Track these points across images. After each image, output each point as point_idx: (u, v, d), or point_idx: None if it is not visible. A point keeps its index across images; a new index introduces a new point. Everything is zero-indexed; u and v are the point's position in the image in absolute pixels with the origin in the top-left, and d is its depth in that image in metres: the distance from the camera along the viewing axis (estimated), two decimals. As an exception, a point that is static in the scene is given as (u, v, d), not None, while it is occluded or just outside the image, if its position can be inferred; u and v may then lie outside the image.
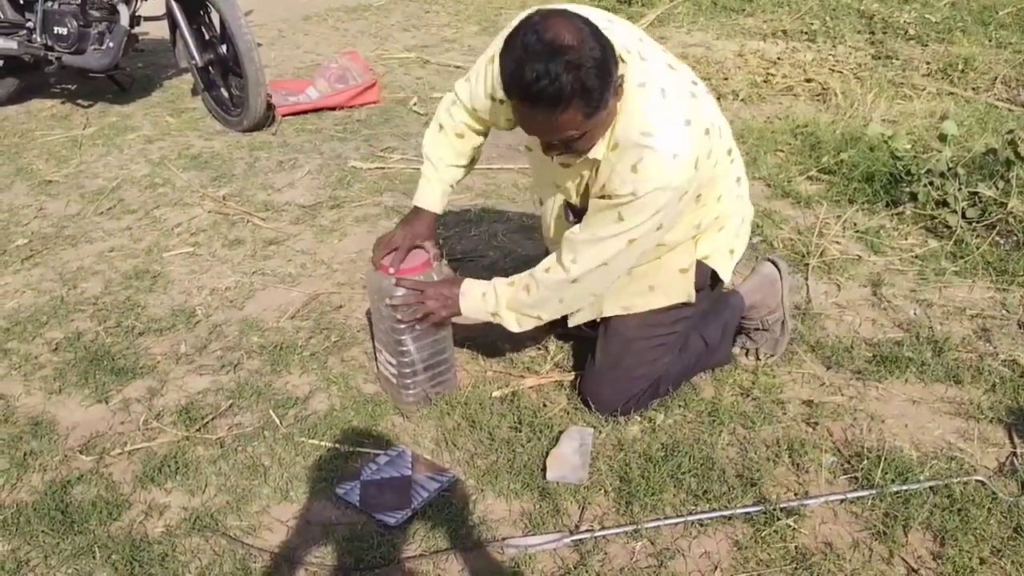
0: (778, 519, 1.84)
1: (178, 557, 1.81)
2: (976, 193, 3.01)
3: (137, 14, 4.21)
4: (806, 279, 2.76)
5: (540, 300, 1.99)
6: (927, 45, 5.07)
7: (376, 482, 1.98)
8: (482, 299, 2.06)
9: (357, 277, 2.87)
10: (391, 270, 2.09)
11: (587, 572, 1.75)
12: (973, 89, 4.39)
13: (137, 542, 1.84)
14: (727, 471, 2.00)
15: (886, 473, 1.95)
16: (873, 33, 5.32)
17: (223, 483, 2.01)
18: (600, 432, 2.12)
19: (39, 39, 4.25)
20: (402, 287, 2.07)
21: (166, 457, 2.08)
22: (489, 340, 2.49)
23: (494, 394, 2.26)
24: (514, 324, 2.06)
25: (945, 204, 3.03)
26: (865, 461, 2.00)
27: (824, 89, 4.43)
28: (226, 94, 4.24)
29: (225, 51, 4.07)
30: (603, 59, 1.61)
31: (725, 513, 1.87)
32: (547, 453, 2.03)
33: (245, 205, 3.40)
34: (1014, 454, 2.03)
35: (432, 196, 2.22)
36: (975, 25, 5.29)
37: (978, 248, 2.84)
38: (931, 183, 3.08)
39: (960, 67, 4.59)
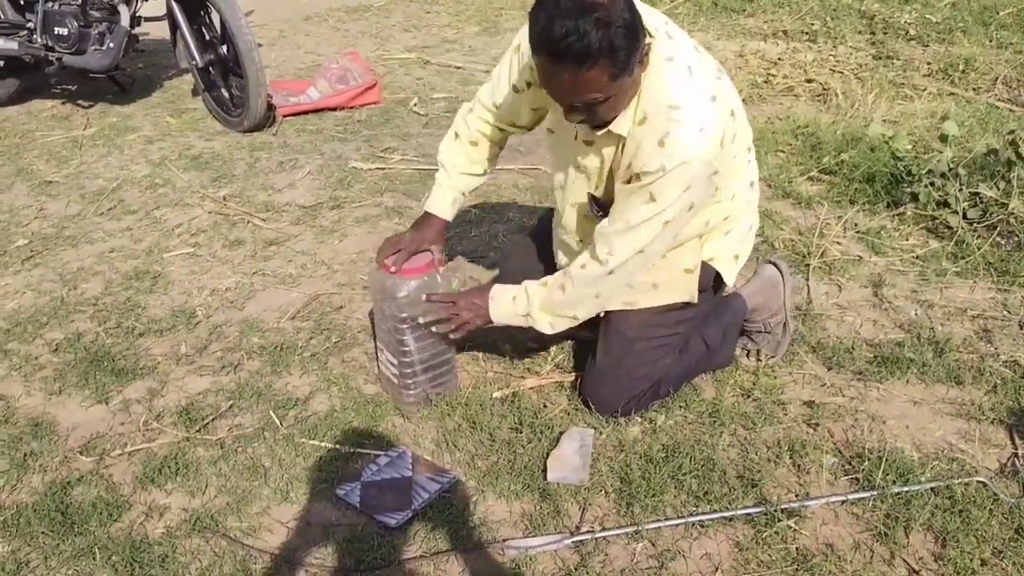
0: (779, 520, 1.84)
1: (178, 558, 1.81)
2: (977, 194, 3.01)
3: (137, 14, 4.21)
4: (807, 280, 2.75)
5: (576, 298, 1.98)
6: (928, 45, 5.07)
7: (376, 483, 1.98)
8: (512, 303, 2.05)
9: (357, 278, 2.87)
10: (393, 268, 2.09)
11: (588, 573, 1.74)
12: (974, 89, 4.39)
13: (137, 543, 1.84)
14: (728, 472, 1.99)
15: (887, 474, 1.95)
16: (874, 33, 5.32)
17: (223, 484, 2.01)
18: (601, 433, 2.12)
19: (40, 40, 4.25)
20: (430, 300, 2.08)
21: (166, 458, 2.08)
22: (489, 341, 2.49)
23: (495, 395, 2.26)
24: (547, 326, 2.05)
25: (946, 205, 3.03)
26: (866, 462, 2.00)
27: (825, 89, 4.43)
28: (227, 94, 4.23)
29: (226, 51, 4.07)
30: (632, 22, 1.61)
31: (726, 514, 1.87)
32: (548, 454, 2.03)
33: (245, 206, 3.40)
34: (1015, 455, 2.03)
35: (443, 202, 2.22)
36: (976, 25, 5.29)
37: (979, 249, 2.83)
38: (932, 184, 3.07)
39: (961, 67, 4.59)
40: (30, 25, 4.28)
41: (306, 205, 3.39)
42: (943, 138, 3.17)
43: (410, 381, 2.18)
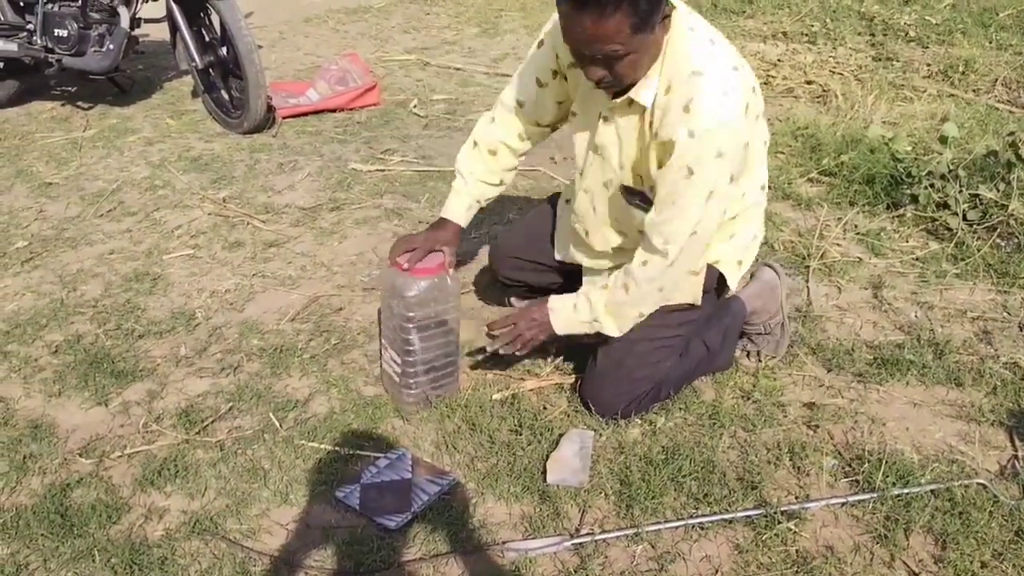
0: (779, 522, 1.84)
1: (178, 560, 1.80)
2: (977, 195, 3.01)
3: (137, 16, 4.20)
4: (807, 281, 2.75)
5: (641, 295, 1.98)
6: (928, 47, 5.07)
7: (376, 485, 1.97)
8: (574, 311, 2.06)
9: (357, 279, 2.87)
10: (405, 266, 2.09)
11: (587, 576, 1.74)
12: (974, 91, 4.39)
13: (136, 545, 1.84)
14: (728, 474, 1.99)
15: (887, 476, 1.95)
16: (873, 35, 5.32)
17: (223, 486, 2.00)
18: (600, 435, 2.11)
19: (39, 41, 4.24)
20: (495, 330, 2.11)
21: (166, 460, 2.08)
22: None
23: (494, 397, 2.25)
24: (614, 329, 2.05)
25: (946, 206, 3.03)
26: (866, 464, 2.00)
27: (824, 91, 4.43)
28: (226, 96, 4.23)
29: (225, 53, 4.07)
30: None
31: (726, 516, 1.86)
32: (547, 456, 2.03)
33: (245, 207, 3.40)
34: (1015, 457, 2.03)
35: (458, 208, 2.23)
36: (975, 27, 5.29)
37: (979, 250, 2.83)
38: (932, 185, 3.08)
39: (961, 69, 4.59)
40: (30, 27, 4.28)
41: (306, 207, 3.39)
42: (943, 140, 3.17)
43: (411, 381, 2.18)
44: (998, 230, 2.92)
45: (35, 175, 3.75)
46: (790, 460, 2.04)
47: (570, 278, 2.38)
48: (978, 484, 1.92)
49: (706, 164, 1.77)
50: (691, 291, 2.09)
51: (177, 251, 3.08)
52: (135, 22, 4.18)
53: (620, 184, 2.00)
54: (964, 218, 2.97)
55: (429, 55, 5.44)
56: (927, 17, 5.49)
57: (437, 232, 2.19)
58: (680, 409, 2.19)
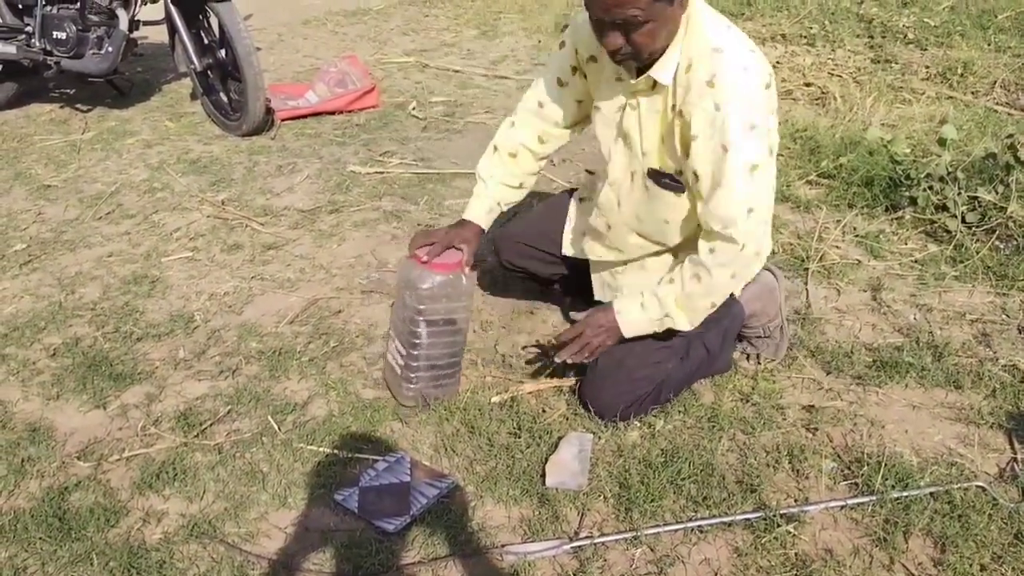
0: (778, 525, 1.83)
1: (176, 564, 1.80)
2: (976, 197, 3.01)
3: (136, 18, 4.19)
4: (806, 284, 2.75)
5: (714, 284, 1.97)
6: (926, 49, 5.07)
7: (375, 488, 1.97)
8: (642, 310, 2.05)
9: (356, 282, 2.86)
10: (425, 258, 2.10)
11: (586, 579, 1.74)
12: (972, 93, 4.39)
13: (135, 549, 1.84)
14: (727, 477, 1.99)
15: (886, 479, 1.95)
16: (872, 37, 5.33)
17: (221, 489, 2.00)
18: (599, 438, 2.11)
19: (38, 44, 4.24)
20: (560, 345, 2.11)
21: (164, 463, 2.08)
22: (488, 345, 2.49)
23: (493, 400, 2.25)
24: (685, 322, 2.04)
25: (945, 208, 3.03)
26: (865, 467, 2.00)
27: (823, 93, 4.44)
28: (225, 98, 4.23)
29: (224, 55, 4.07)
30: None
31: (725, 519, 1.86)
32: (546, 459, 2.03)
33: (244, 210, 3.39)
34: (1015, 460, 2.03)
35: (479, 211, 2.23)
36: (974, 29, 5.30)
37: (978, 252, 2.83)
38: (931, 187, 3.08)
39: (959, 71, 4.59)
40: (28, 29, 4.28)
41: (304, 209, 3.39)
42: (941, 142, 3.17)
43: (413, 375, 2.18)
44: (997, 232, 2.92)
45: (34, 177, 3.75)
46: (789, 463, 2.03)
47: (574, 271, 2.40)
48: (977, 487, 1.92)
49: (740, 138, 1.79)
50: (751, 276, 2.07)
51: (176, 253, 3.08)
52: (134, 24, 4.18)
53: (646, 169, 2.01)
54: (963, 220, 2.97)
55: (428, 57, 5.44)
56: (926, 19, 5.49)
57: (459, 230, 2.19)
58: (679, 412, 2.19)
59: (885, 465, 1.98)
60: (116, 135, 4.22)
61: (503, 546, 1.82)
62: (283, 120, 4.28)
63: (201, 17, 4.10)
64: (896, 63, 4.85)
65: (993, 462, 2.03)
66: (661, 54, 1.83)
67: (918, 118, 4.00)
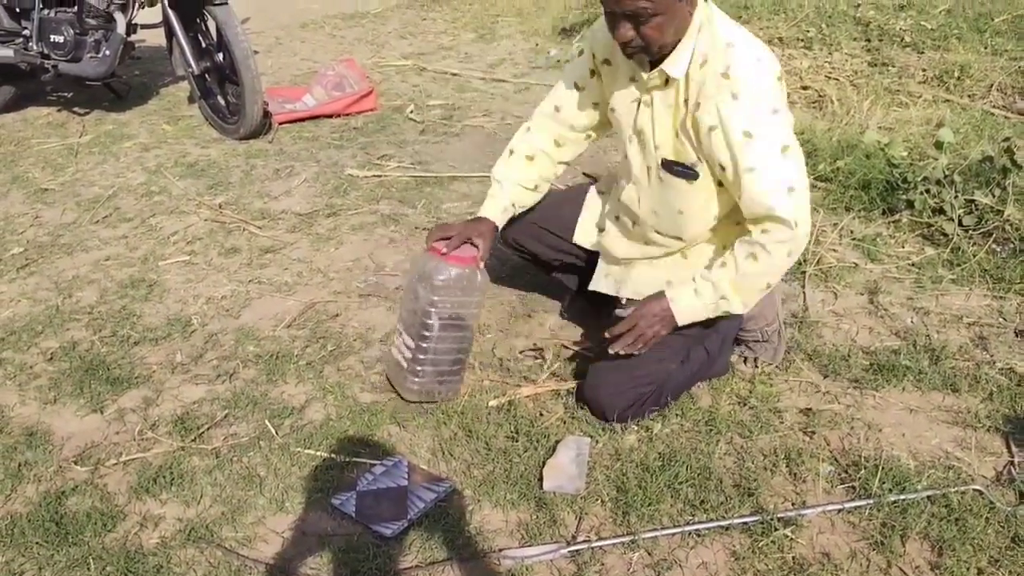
0: (776, 529, 1.83)
1: (173, 569, 1.80)
2: (972, 201, 3.01)
3: (133, 22, 4.20)
4: (803, 287, 2.76)
5: (772, 263, 1.95)
6: (923, 52, 5.08)
7: (372, 492, 1.97)
8: (696, 296, 2.04)
9: (353, 285, 2.86)
10: (444, 250, 2.11)
11: (584, 583, 1.74)
12: (969, 96, 4.40)
13: (132, 553, 1.83)
14: (724, 481, 1.99)
15: (883, 482, 1.95)
16: (869, 40, 5.33)
17: (218, 494, 2.00)
18: (597, 442, 2.11)
19: (35, 47, 4.24)
20: (615, 337, 2.09)
21: (161, 468, 2.08)
22: (485, 348, 2.49)
23: (491, 403, 2.25)
24: (740, 305, 2.03)
25: (942, 212, 3.04)
26: (863, 470, 2.00)
27: (820, 96, 4.44)
28: (223, 102, 4.24)
29: (222, 59, 4.07)
30: None
31: (722, 523, 1.86)
32: (544, 463, 2.03)
33: (241, 213, 3.39)
34: (1011, 463, 2.03)
35: (494, 209, 2.25)
36: (971, 32, 5.30)
37: (975, 256, 2.84)
38: (927, 191, 3.08)
39: (956, 74, 4.60)
40: (26, 32, 4.28)
41: (302, 213, 3.39)
42: (938, 145, 3.18)
43: (419, 368, 2.19)
44: (994, 235, 2.92)
45: (31, 181, 3.75)
46: (786, 466, 2.03)
47: (578, 259, 2.43)
48: (974, 490, 1.92)
49: (763, 122, 1.85)
50: (800, 253, 2.06)
51: (173, 257, 3.08)
52: (131, 28, 4.19)
53: (659, 161, 2.04)
54: (960, 223, 2.97)
55: (426, 60, 5.44)
56: (922, 22, 5.50)
57: (475, 224, 2.21)
58: (676, 415, 2.19)
59: (882, 468, 1.98)
60: (113, 139, 4.22)
61: (500, 550, 1.82)
62: (281, 123, 4.28)
63: (199, 21, 4.10)
64: (893, 66, 4.86)
65: (990, 465, 2.03)
66: (672, 49, 1.89)
67: (915, 121, 4.01)
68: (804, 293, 2.72)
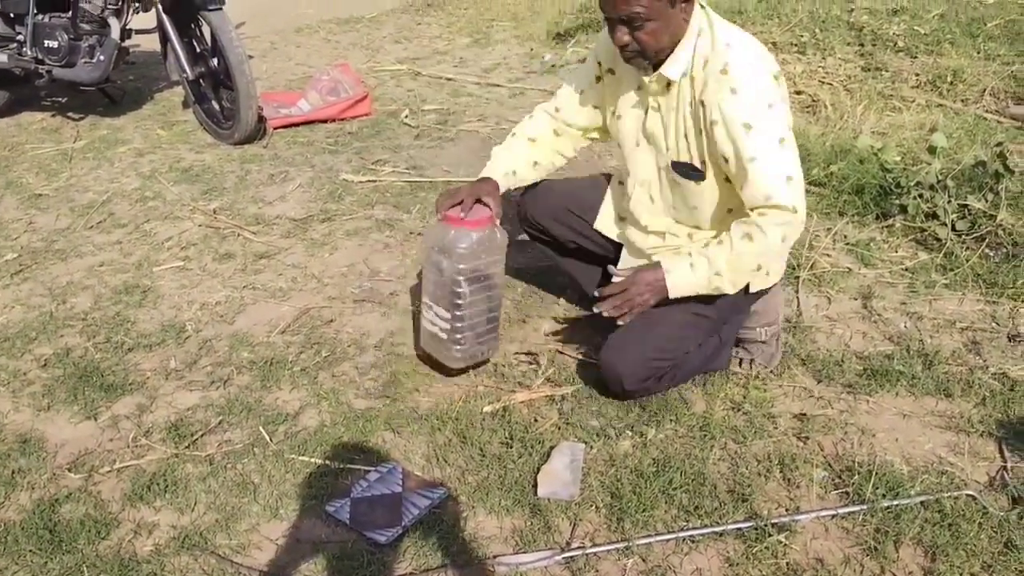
0: (769, 535, 1.84)
1: (167, 576, 1.80)
2: (966, 205, 3.02)
3: (128, 27, 4.20)
4: (797, 292, 2.76)
5: (767, 244, 1.98)
6: (916, 57, 5.09)
7: (367, 499, 1.97)
8: (691, 270, 2.06)
9: (348, 291, 2.86)
10: (461, 214, 2.13)
11: (578, 590, 1.74)
12: (962, 101, 4.41)
13: (126, 561, 1.83)
14: (718, 486, 1.99)
15: (877, 488, 1.95)
16: (863, 45, 5.34)
17: (212, 501, 2.00)
18: (591, 448, 2.11)
19: (30, 52, 4.24)
20: (603, 297, 2.13)
21: (155, 475, 2.07)
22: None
23: (485, 409, 2.25)
24: (730, 285, 2.06)
25: (935, 216, 3.04)
26: (856, 476, 2.00)
27: (814, 101, 4.45)
28: (217, 107, 4.23)
29: (216, 64, 4.07)
30: None
31: (716, 529, 1.87)
32: (538, 469, 2.03)
33: (236, 219, 3.39)
34: (1004, 468, 2.03)
35: (496, 171, 2.30)
36: (964, 37, 5.32)
37: (968, 260, 2.85)
38: (921, 195, 3.09)
39: (949, 79, 4.61)
40: (20, 38, 4.27)
41: (296, 218, 3.39)
42: (931, 150, 3.19)
43: (460, 336, 2.22)
44: (987, 240, 2.93)
45: (25, 186, 3.74)
46: (780, 472, 2.04)
47: (599, 245, 2.45)
48: (967, 495, 1.93)
49: (761, 115, 1.94)
50: (794, 240, 2.10)
51: (167, 263, 3.08)
52: (125, 33, 4.18)
53: (669, 162, 2.11)
54: (953, 228, 2.98)
55: (420, 65, 5.45)
56: (916, 27, 5.51)
57: (481, 185, 2.24)
58: (671, 421, 2.19)
59: (876, 474, 1.99)
60: (108, 144, 4.21)
61: (495, 557, 1.82)
62: (275, 128, 4.28)
63: (193, 26, 4.10)
64: (886, 71, 4.87)
65: (983, 470, 2.03)
66: (669, 53, 1.99)
67: (908, 126, 4.02)
68: (798, 298, 2.73)
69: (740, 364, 2.40)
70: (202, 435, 2.21)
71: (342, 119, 4.43)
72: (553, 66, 5.20)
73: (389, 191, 3.62)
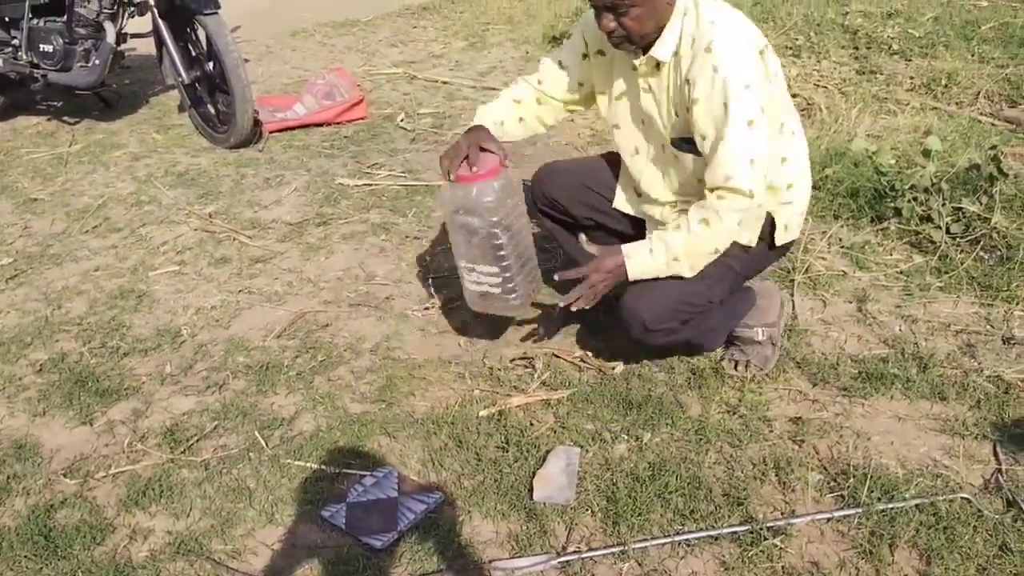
0: (765, 538, 1.84)
1: (162, 582, 1.80)
2: (960, 208, 3.03)
3: (123, 31, 4.19)
4: (791, 295, 2.77)
5: (722, 229, 2.01)
6: (911, 60, 5.11)
7: (362, 504, 1.97)
8: (650, 255, 2.07)
9: (343, 295, 2.86)
10: (476, 169, 2.12)
11: (574, 594, 1.74)
12: (956, 104, 4.42)
13: (121, 567, 1.83)
14: (714, 490, 2.00)
15: (872, 491, 1.96)
16: (857, 48, 5.36)
17: (208, 506, 2.00)
18: (587, 452, 2.12)
19: (25, 56, 4.23)
20: (564, 282, 2.15)
21: (150, 480, 2.07)
22: (475, 358, 2.50)
23: (481, 413, 2.25)
24: (687, 269, 2.08)
25: (929, 219, 3.05)
26: (851, 479, 2.01)
27: (809, 104, 4.46)
28: (213, 111, 4.23)
29: (212, 68, 4.07)
30: None
31: (712, 533, 1.87)
32: (534, 473, 2.03)
33: (231, 223, 3.39)
34: (999, 471, 2.03)
35: (485, 119, 2.29)
36: (958, 40, 5.33)
37: (962, 263, 2.85)
38: (915, 198, 3.09)
39: (943, 82, 4.62)
40: (15, 42, 4.27)
41: (292, 222, 3.39)
42: (926, 153, 3.19)
43: (512, 284, 2.22)
44: (981, 243, 2.94)
45: (20, 191, 3.74)
46: (776, 475, 2.04)
47: (618, 220, 2.45)
48: (962, 498, 1.93)
49: (738, 96, 1.94)
50: (756, 230, 2.12)
51: (163, 267, 3.08)
52: (121, 37, 4.18)
53: (669, 140, 2.16)
54: (947, 231, 2.99)
55: (416, 69, 5.44)
56: (910, 30, 5.53)
57: (476, 133, 2.22)
58: (666, 424, 2.20)
59: (871, 477, 1.99)
60: (103, 148, 4.21)
61: (491, 561, 1.82)
62: (271, 132, 4.28)
63: (189, 30, 4.10)
64: (881, 74, 4.88)
65: (978, 473, 2.04)
66: (656, 37, 2.02)
67: (903, 129, 4.03)
68: (793, 301, 2.73)
69: (735, 367, 2.40)
70: (197, 440, 2.21)
71: (338, 123, 4.43)
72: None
73: (385, 195, 3.62)
